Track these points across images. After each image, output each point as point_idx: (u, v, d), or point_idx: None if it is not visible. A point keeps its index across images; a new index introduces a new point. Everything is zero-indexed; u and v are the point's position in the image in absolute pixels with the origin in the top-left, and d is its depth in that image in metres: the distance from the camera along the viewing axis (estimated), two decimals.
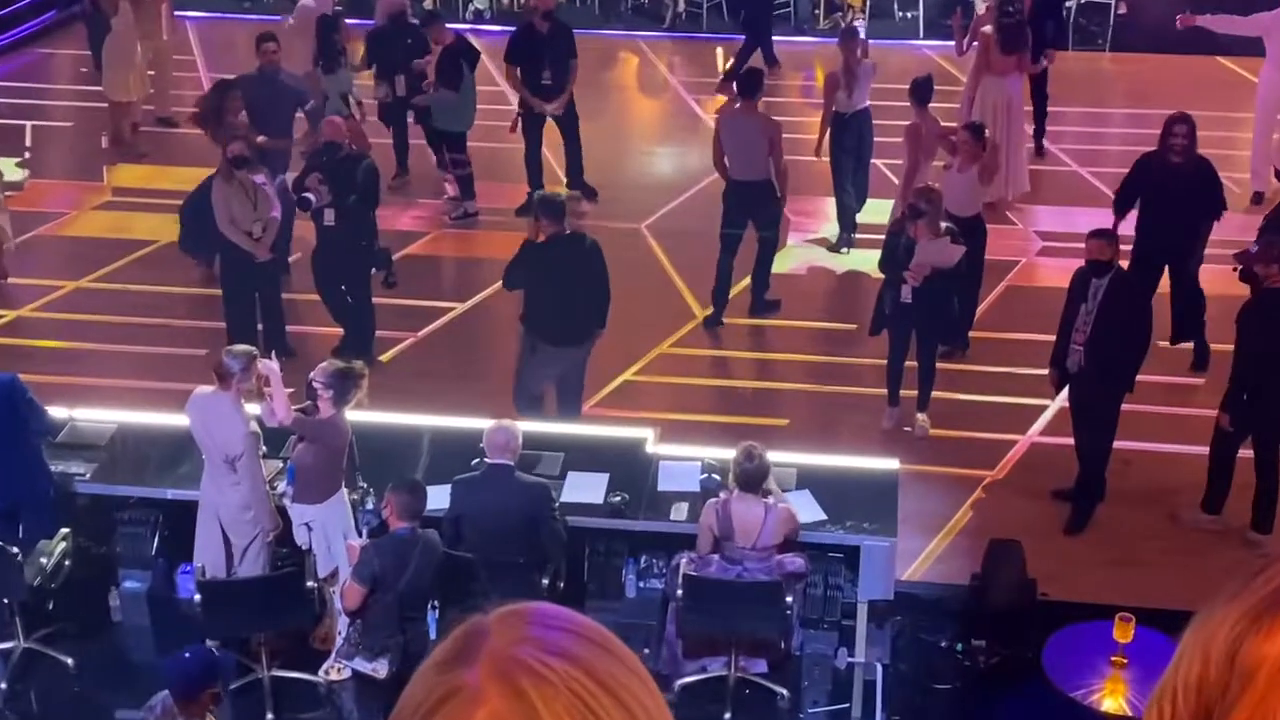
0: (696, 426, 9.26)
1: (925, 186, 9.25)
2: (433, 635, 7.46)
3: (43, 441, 7.67)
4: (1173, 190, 9.55)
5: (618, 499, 7.60)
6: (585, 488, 7.69)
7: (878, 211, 11.81)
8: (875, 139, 11.78)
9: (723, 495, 7.03)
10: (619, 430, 8.52)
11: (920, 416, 9.33)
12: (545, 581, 7.13)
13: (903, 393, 9.35)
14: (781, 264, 11.68)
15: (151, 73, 13.88)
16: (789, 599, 6.90)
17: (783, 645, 7.12)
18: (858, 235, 11.94)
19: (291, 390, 7.38)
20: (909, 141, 10.77)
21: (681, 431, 8.90)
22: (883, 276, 9.32)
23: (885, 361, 9.36)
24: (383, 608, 6.64)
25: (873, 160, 11.96)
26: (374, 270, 10.14)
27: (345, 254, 9.79)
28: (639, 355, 10.38)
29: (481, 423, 7.54)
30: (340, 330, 10.09)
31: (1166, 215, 9.61)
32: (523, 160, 12.34)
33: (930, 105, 10.90)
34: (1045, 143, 13.73)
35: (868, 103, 11.69)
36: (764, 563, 6.94)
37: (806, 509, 7.47)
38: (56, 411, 7.96)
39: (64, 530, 7.56)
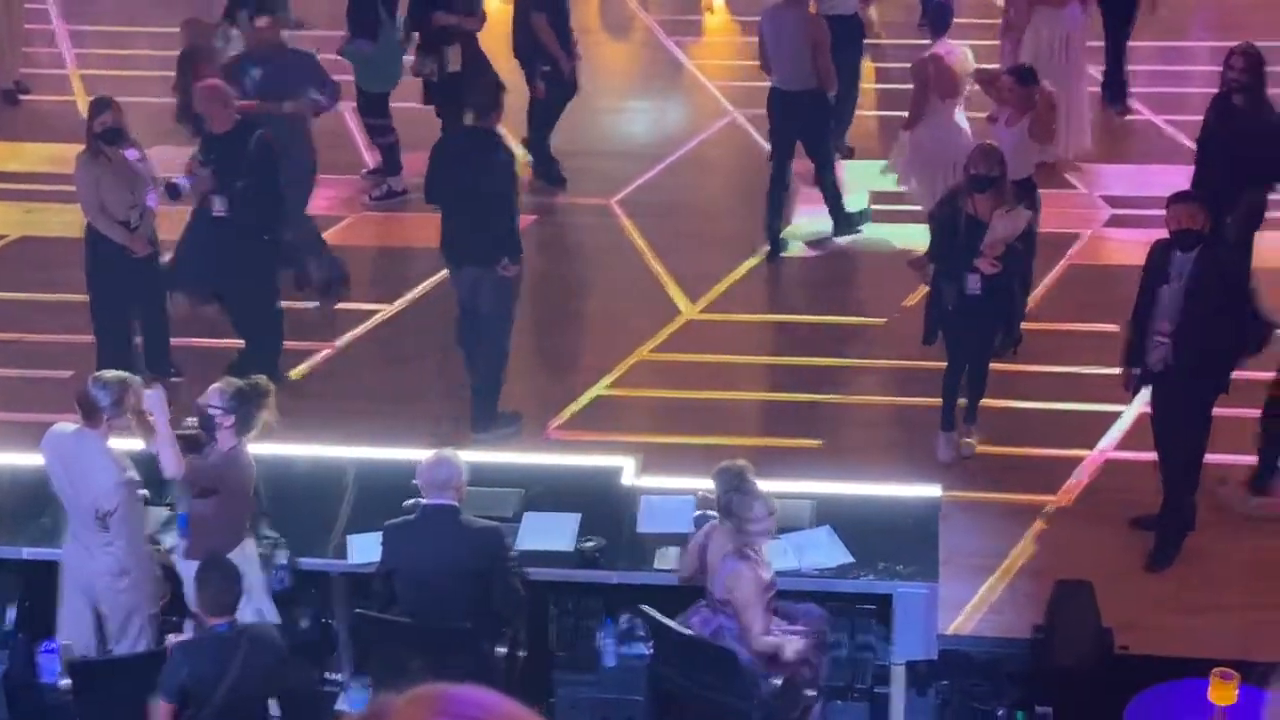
0: (687, 451, 9.24)
1: (986, 146, 9.25)
2: None
3: None
4: (1225, 138, 9.62)
5: (590, 544, 7.57)
6: (549, 532, 7.66)
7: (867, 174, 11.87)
8: (876, 85, 11.89)
9: (712, 523, 7.02)
10: (590, 459, 8.49)
11: (968, 432, 9.34)
12: (500, 650, 7.11)
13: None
14: (792, 248, 11.72)
15: None
16: (775, 683, 6.83)
17: None
18: (880, 206, 12.00)
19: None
20: (917, 78, 10.85)
21: (669, 458, 8.88)
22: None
23: (910, 363, 9.38)
24: None
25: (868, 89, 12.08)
26: (285, 270, 10.12)
27: (243, 250, 9.76)
28: (613, 364, 10.38)
29: (417, 453, 7.51)
30: (240, 343, 10.07)
31: (1217, 169, 9.68)
32: None
33: (950, 37, 10.97)
34: (1129, 93, 13.73)
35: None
36: (730, 619, 6.89)
37: (828, 550, 7.45)
38: None
39: None
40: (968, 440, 9.34)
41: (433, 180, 9.64)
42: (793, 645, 6.90)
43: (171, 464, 7.09)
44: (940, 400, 9.26)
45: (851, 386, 10.15)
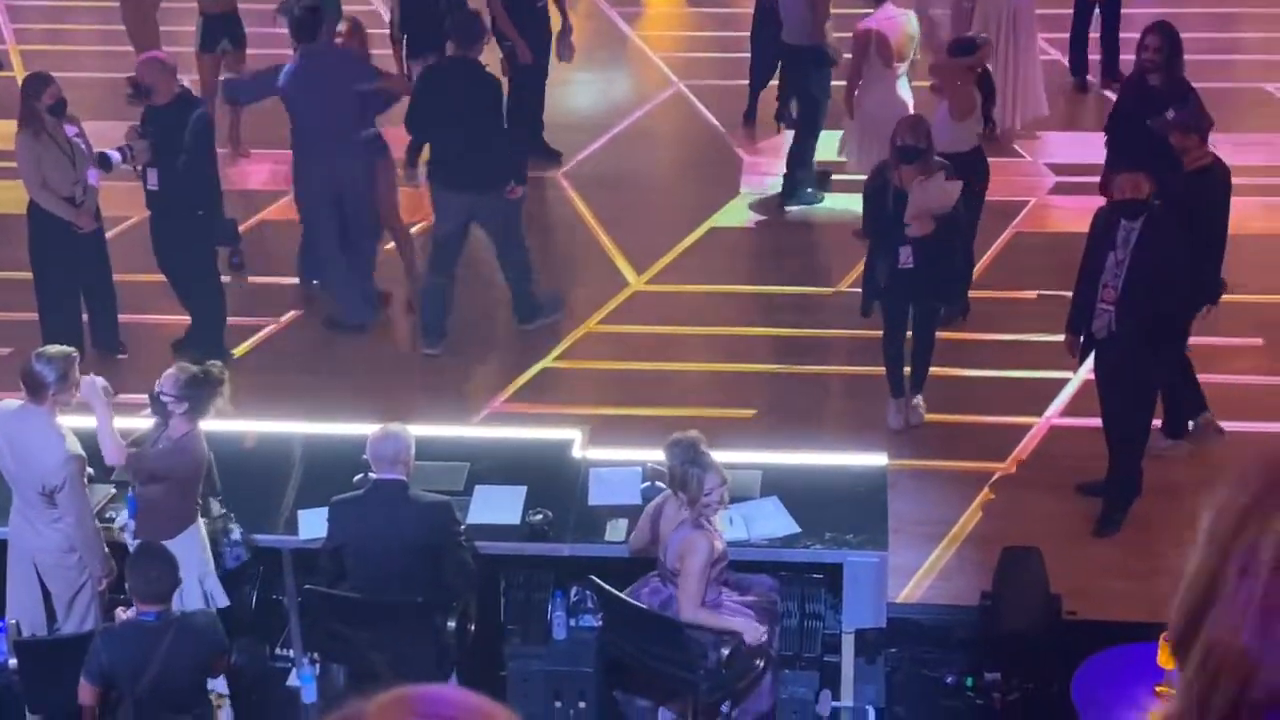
0: (635, 422, 9.24)
1: (912, 118, 9.26)
2: (308, 699, 7.41)
3: None
4: (1139, 120, 9.51)
5: (539, 518, 7.56)
6: (498, 505, 7.65)
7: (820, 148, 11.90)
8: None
9: (665, 494, 7.02)
10: (537, 431, 8.49)
11: (915, 400, 9.38)
12: (451, 625, 7.09)
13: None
14: (736, 218, 11.73)
15: None
16: (724, 653, 6.84)
17: (724, 710, 7.06)
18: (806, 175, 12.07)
19: (119, 399, 7.28)
20: (856, 45, 10.89)
21: (617, 429, 8.89)
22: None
23: (859, 332, 9.38)
24: (122, 710, 6.53)
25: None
26: (218, 246, 10.02)
27: (176, 226, 9.67)
28: (560, 336, 10.36)
29: (365, 428, 7.48)
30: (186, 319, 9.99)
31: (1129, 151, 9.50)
32: None
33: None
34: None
35: None
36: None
37: (775, 520, 7.47)
38: None
39: None
40: (916, 408, 9.37)
41: (419, 110, 10.01)
42: (753, 632, 6.90)
43: (111, 453, 7.04)
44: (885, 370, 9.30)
45: (798, 356, 10.16)
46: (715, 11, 15.02)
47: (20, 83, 10.27)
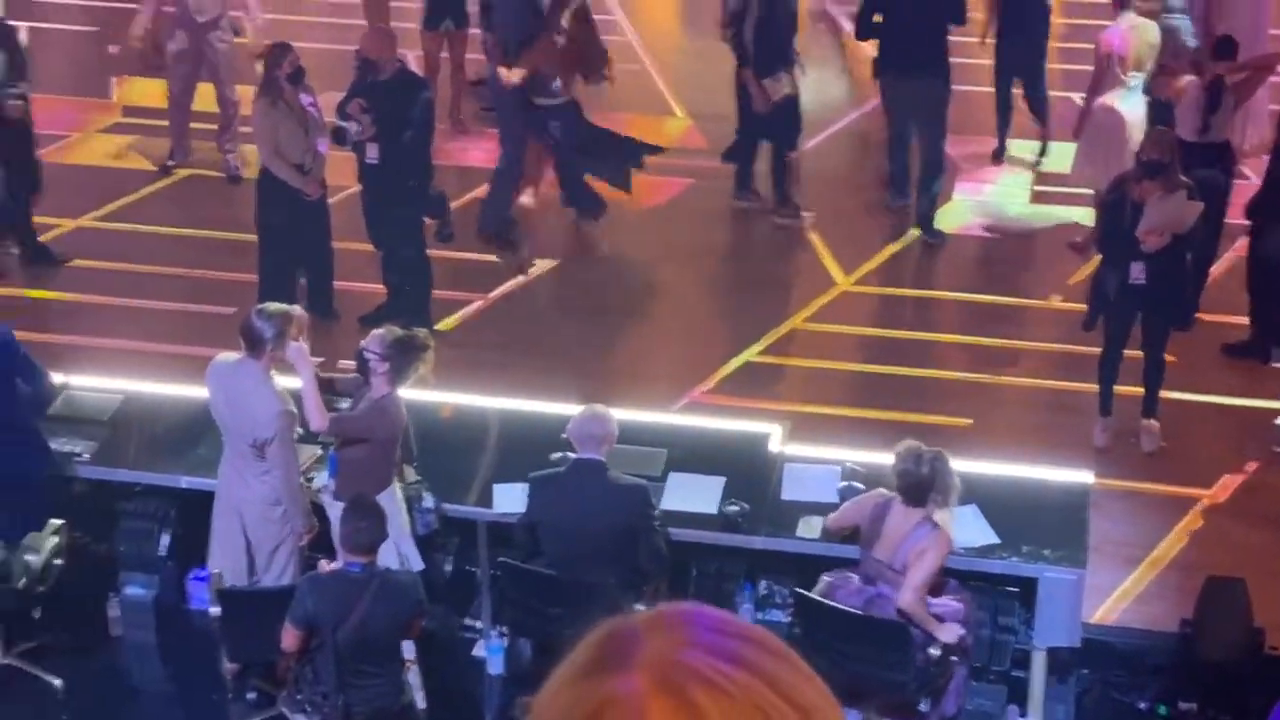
0: (835, 422, 9.20)
1: (1158, 131, 9.09)
2: (494, 670, 7.52)
3: (39, 411, 7.82)
4: None
5: (734, 509, 7.58)
6: (694, 493, 7.69)
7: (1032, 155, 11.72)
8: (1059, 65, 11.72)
9: (889, 494, 7.00)
10: (737, 424, 8.49)
11: (1149, 423, 9.18)
12: (641, 608, 7.13)
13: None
14: (948, 222, 11.62)
15: None
16: (933, 653, 6.81)
17: (922, 709, 7.02)
18: (1038, 188, 11.85)
19: (321, 360, 7.43)
20: (1096, 57, 10.69)
21: (816, 427, 8.86)
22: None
23: (1071, 346, 9.24)
24: (321, 657, 6.68)
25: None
26: (427, 219, 10.19)
27: (391, 198, 9.86)
28: (764, 331, 10.35)
29: (567, 408, 7.56)
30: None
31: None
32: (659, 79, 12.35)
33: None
34: None
35: None
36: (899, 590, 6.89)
37: (973, 529, 7.40)
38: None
39: (56, 522, 7.71)
40: (1152, 432, 9.16)
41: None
42: (951, 630, 6.87)
43: (315, 418, 7.20)
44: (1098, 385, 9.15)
45: (1006, 367, 10.04)
46: None
47: (257, 51, 10.52)
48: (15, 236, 10.81)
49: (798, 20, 11.34)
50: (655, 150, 11.31)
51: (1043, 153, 12.22)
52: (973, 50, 14.07)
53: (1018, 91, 12.19)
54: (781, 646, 1.42)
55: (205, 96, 12.05)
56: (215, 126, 12.07)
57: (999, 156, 12.34)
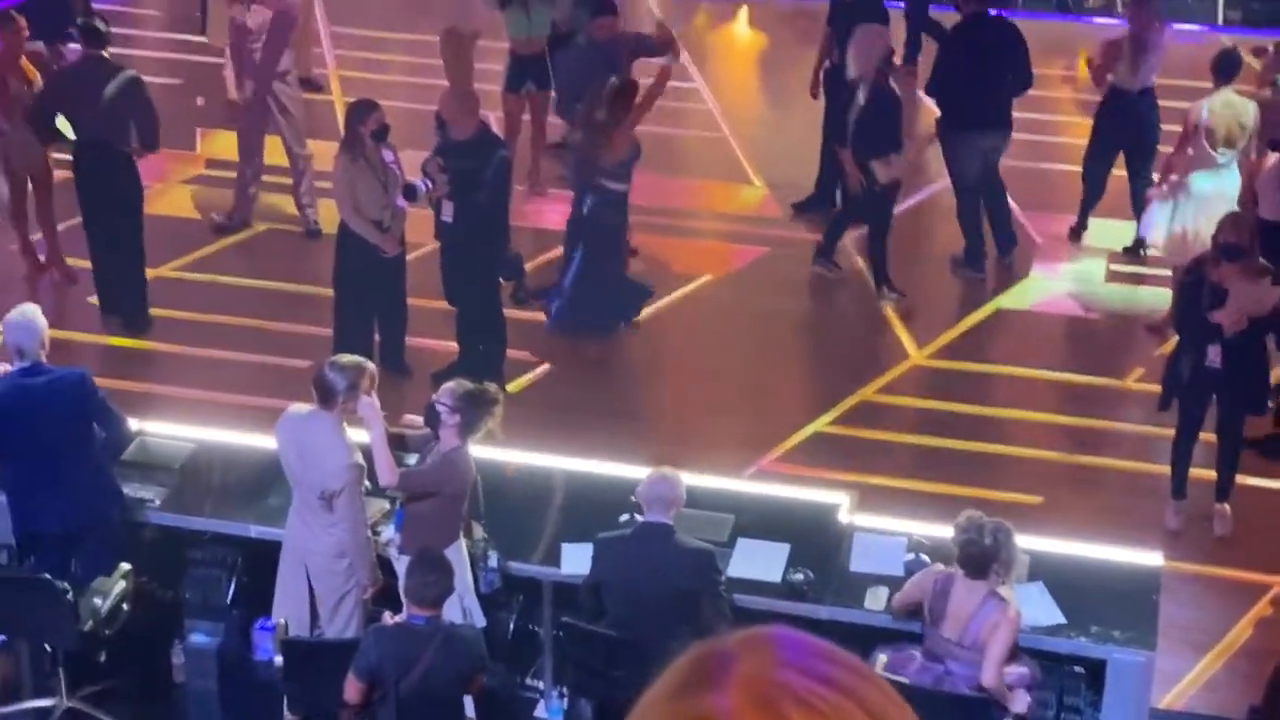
0: (904, 494, 9.18)
1: (1235, 215, 9.06)
2: None
3: (114, 456, 7.93)
4: None
5: (799, 577, 7.57)
6: (759, 560, 7.68)
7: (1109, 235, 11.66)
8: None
9: (948, 569, 6.97)
10: (805, 492, 8.49)
11: (1221, 508, 9.10)
12: None
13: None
14: (1025, 299, 11.60)
15: None
16: None
17: None
18: (1114, 267, 11.84)
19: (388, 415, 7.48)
20: (1184, 128, 10.66)
21: (885, 499, 8.84)
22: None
23: (1145, 428, 9.19)
24: (384, 710, 6.69)
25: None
26: (502, 280, 10.27)
27: (466, 257, 9.95)
28: (835, 401, 10.35)
29: (636, 470, 7.59)
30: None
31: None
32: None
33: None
34: None
35: (1155, 80, 11.59)
36: (969, 667, 6.85)
37: (1040, 607, 7.35)
38: None
39: (125, 567, 7.80)
40: (1225, 516, 9.09)
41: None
42: (1022, 699, 6.85)
43: (385, 474, 7.26)
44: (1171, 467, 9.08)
45: (1079, 446, 9.98)
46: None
47: (341, 107, 10.66)
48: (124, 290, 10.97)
49: (903, 105, 11.31)
50: (647, 295, 11.00)
51: (1142, 246, 11.85)
52: (1050, 127, 14.13)
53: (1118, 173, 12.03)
54: (870, 670, 1.44)
55: (279, 151, 12.20)
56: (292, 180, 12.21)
57: (1078, 235, 12.25)
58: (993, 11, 11.64)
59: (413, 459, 7.57)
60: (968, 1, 11.64)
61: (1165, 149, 11.38)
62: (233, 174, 12.32)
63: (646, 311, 11.11)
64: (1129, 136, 11.68)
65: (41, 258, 11.41)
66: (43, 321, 7.61)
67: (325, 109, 14.04)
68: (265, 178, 12.25)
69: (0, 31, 11.09)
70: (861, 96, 10.95)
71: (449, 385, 7.37)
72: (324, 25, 15.70)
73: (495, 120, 12.07)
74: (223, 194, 12.36)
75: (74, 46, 14.36)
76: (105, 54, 10.60)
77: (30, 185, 11.15)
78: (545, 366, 10.63)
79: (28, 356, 7.51)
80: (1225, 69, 10.67)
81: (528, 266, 10.77)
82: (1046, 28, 16.36)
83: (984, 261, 11.69)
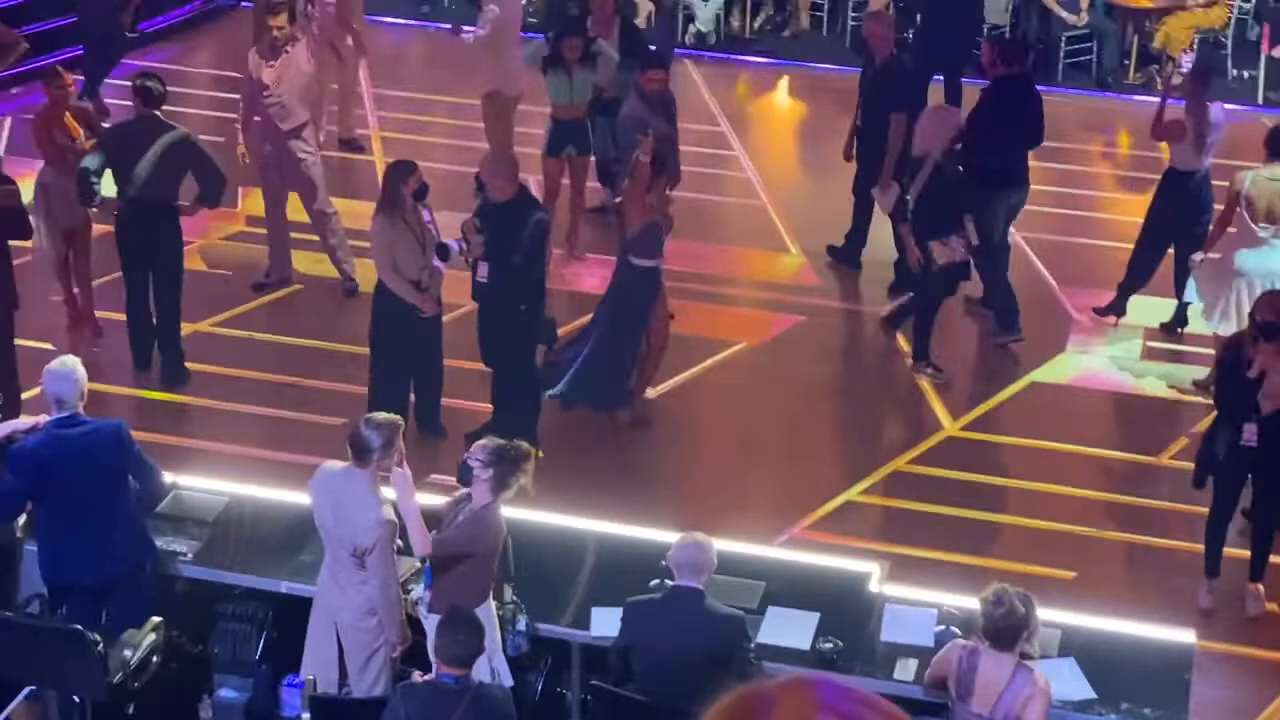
0: (935, 566, 9.17)
1: (1272, 294, 9.05)
2: None
3: (149, 508, 7.98)
4: None
5: (829, 646, 7.56)
6: (789, 628, 7.68)
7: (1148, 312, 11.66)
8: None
9: (973, 642, 6.95)
10: (836, 561, 8.50)
11: (1255, 587, 9.05)
12: None
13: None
14: (1060, 373, 11.60)
15: (334, 85, 14.35)
16: None
17: None
18: (1151, 344, 11.88)
19: (430, 479, 7.52)
20: (1227, 198, 10.66)
21: (916, 570, 8.84)
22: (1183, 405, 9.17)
23: (1179, 505, 9.16)
24: None
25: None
26: (538, 344, 10.31)
27: (502, 318, 10.00)
28: (868, 470, 10.35)
29: (667, 534, 7.61)
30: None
31: None
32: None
33: None
34: None
35: (1211, 161, 11.63)
36: None
37: (1070, 682, 7.32)
38: None
39: (155, 620, 7.81)
40: (1257, 597, 9.03)
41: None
42: None
43: (419, 543, 7.28)
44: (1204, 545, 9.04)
45: (1112, 521, 9.96)
46: (1056, 166, 14.95)
47: (381, 168, 10.76)
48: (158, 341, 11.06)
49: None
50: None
51: (1181, 324, 11.91)
52: (1087, 202, 14.18)
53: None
54: (905, 716, 1.47)
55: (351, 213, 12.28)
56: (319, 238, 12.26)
57: (1120, 312, 12.12)
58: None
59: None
60: (994, 65, 11.83)
61: None
62: None
63: (682, 376, 11.15)
64: (1188, 220, 11.50)
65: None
66: (83, 372, 7.69)
67: (367, 169, 14.17)
68: (305, 235, 12.34)
69: (46, 86, 11.27)
70: (925, 175, 10.98)
71: (481, 441, 7.43)
72: (368, 87, 15.86)
73: (535, 184, 12.17)
74: (263, 251, 12.46)
75: (109, 101, 14.65)
76: (158, 114, 10.73)
77: (70, 238, 11.27)
78: (577, 429, 10.65)
79: (66, 407, 7.59)
80: (1278, 144, 10.66)
81: (561, 330, 10.82)
82: (1086, 103, 16.50)
83: (1019, 319, 11.65)
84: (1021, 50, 12.91)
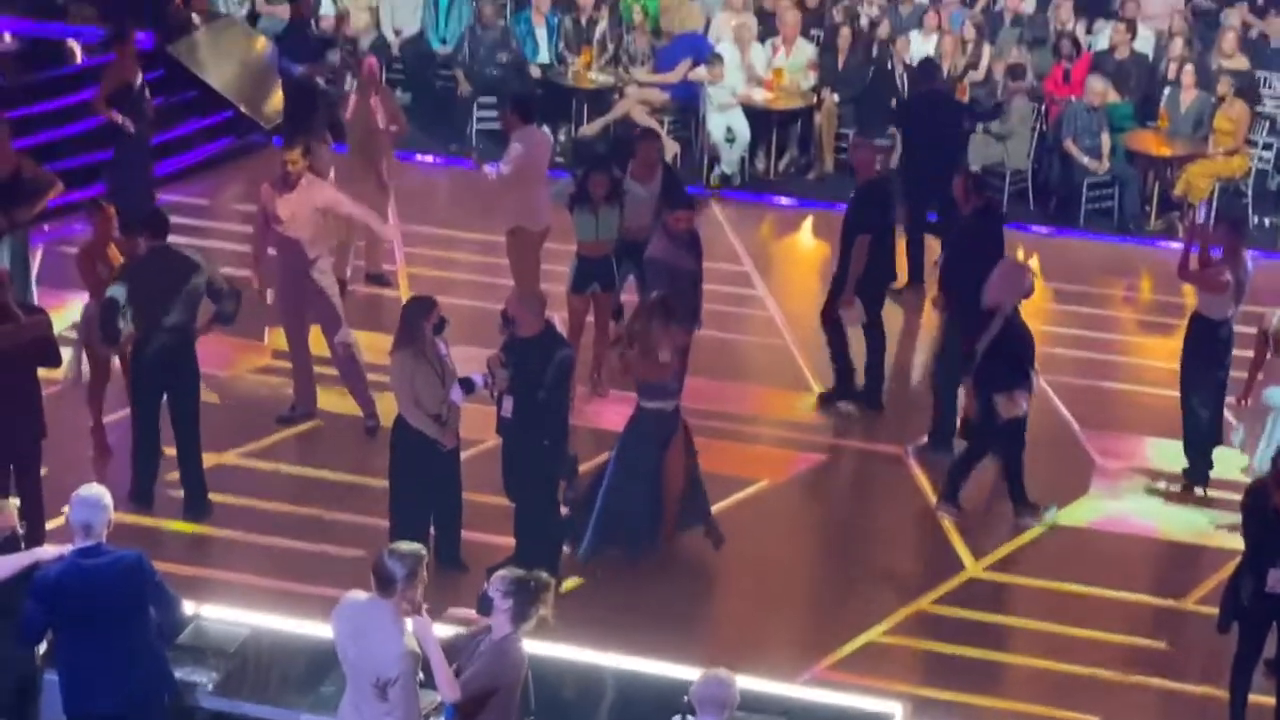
0: (957, 708, 9.13)
1: None
2: None
3: (169, 639, 7.99)
4: None
5: None
6: None
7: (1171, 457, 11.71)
8: None
9: None
10: (857, 700, 8.46)
11: None
12: None
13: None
14: (1082, 516, 11.61)
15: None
16: None
17: None
18: (1175, 488, 11.91)
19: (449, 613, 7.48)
20: (1258, 336, 10.71)
21: (937, 713, 8.81)
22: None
23: (1213, 648, 9.13)
24: None
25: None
26: (560, 481, 10.35)
27: (525, 453, 10.06)
28: (889, 610, 10.34)
29: (688, 670, 7.59)
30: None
31: None
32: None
33: None
34: None
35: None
36: None
37: None
38: None
39: None
40: None
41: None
42: None
43: (446, 689, 7.23)
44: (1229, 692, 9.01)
45: (1137, 667, 9.91)
46: (1079, 309, 15.05)
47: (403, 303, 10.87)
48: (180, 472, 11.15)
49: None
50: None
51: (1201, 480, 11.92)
52: (1110, 346, 14.25)
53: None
54: None
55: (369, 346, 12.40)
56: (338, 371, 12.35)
57: (1198, 478, 11.94)
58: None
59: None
60: (968, 198, 12.18)
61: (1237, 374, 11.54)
62: None
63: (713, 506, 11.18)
64: (1216, 367, 11.55)
65: None
66: (110, 502, 7.75)
67: (393, 304, 14.29)
68: (327, 370, 12.45)
69: (90, 218, 11.47)
70: (995, 328, 10.99)
71: (501, 572, 7.44)
72: (395, 222, 16.05)
73: (560, 320, 12.27)
74: (288, 384, 12.56)
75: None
76: (168, 242, 10.87)
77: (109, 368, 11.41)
78: (599, 563, 10.66)
79: (93, 535, 7.63)
80: None
81: (583, 468, 10.87)
82: (1108, 249, 16.63)
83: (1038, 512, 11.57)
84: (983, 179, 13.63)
